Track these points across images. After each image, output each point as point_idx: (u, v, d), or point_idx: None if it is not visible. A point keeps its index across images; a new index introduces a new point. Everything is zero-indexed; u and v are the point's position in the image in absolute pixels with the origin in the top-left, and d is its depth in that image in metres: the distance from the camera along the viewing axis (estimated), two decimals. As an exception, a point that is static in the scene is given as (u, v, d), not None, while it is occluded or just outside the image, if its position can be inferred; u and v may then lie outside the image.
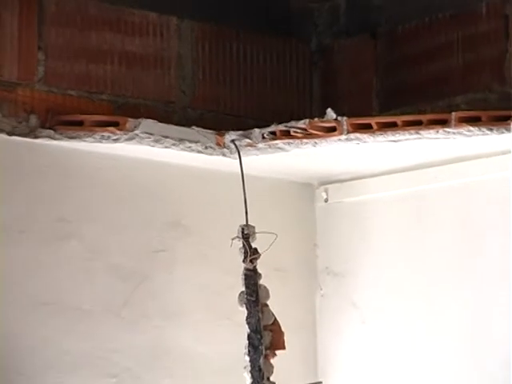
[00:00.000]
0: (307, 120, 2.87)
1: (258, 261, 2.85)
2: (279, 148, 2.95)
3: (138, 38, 3.11)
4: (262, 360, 2.84)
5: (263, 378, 2.87)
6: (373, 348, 3.42)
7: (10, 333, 2.92)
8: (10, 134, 2.86)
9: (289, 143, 2.91)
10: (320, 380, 3.28)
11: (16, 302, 2.92)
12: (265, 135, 2.93)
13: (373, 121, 2.85)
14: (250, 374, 2.84)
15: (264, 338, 2.85)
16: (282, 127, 2.91)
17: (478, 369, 3.12)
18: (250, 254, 2.82)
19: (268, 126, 2.92)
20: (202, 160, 3.02)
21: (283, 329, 2.89)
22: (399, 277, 3.36)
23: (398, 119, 2.85)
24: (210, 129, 2.95)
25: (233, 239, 2.82)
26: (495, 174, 3.15)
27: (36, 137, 2.90)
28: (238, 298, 2.88)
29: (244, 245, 2.81)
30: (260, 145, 2.93)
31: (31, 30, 2.99)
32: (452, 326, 3.25)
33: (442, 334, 3.31)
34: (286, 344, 2.88)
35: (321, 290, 3.46)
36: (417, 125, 2.86)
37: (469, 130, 2.80)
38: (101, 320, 3.03)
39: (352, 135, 2.84)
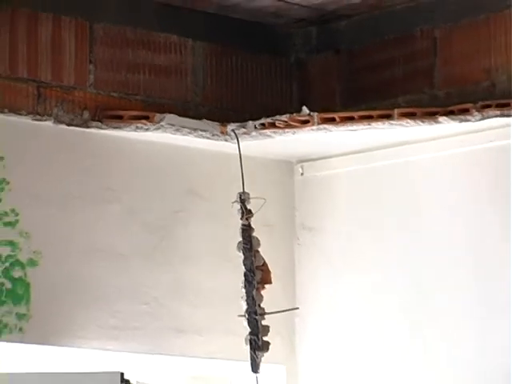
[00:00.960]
0: (288, 115, 3.33)
1: (252, 219, 3.28)
2: (267, 135, 3.37)
3: (162, 54, 3.55)
4: (254, 292, 3.25)
5: (255, 305, 3.30)
6: (338, 285, 3.82)
7: (73, 272, 3.29)
8: (68, 124, 3.30)
9: (274, 132, 3.35)
10: (297, 306, 3.71)
11: (76, 249, 3.34)
12: (256, 126, 3.35)
13: (336, 115, 3.31)
14: (245, 302, 3.29)
15: (256, 275, 3.27)
16: (269, 120, 3.36)
17: (440, 304, 3.48)
18: (246, 213, 3.25)
19: (259, 119, 3.36)
20: (210, 144, 3.47)
21: (270, 269, 3.35)
22: (358, 230, 3.80)
23: (355, 114, 3.31)
24: (216, 121, 3.40)
25: (233, 202, 3.25)
26: (428, 155, 3.64)
27: (88, 127, 3.38)
28: (237, 246, 3.32)
29: (241, 207, 3.24)
30: (253, 133, 3.36)
31: (84, 48, 3.44)
32: (399, 269, 3.59)
33: (389, 268, 3.67)
34: (272, 280, 3.32)
35: (298, 240, 3.91)
36: (369, 118, 3.35)
37: (407, 122, 3.31)
38: (136, 262, 3.50)
39: (321, 126, 3.29)
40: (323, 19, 3.85)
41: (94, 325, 3.52)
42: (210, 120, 3.47)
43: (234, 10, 3.77)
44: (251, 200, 3.34)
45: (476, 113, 3.27)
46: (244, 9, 3.76)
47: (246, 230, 3.34)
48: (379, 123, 3.35)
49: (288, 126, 3.39)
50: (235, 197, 3.32)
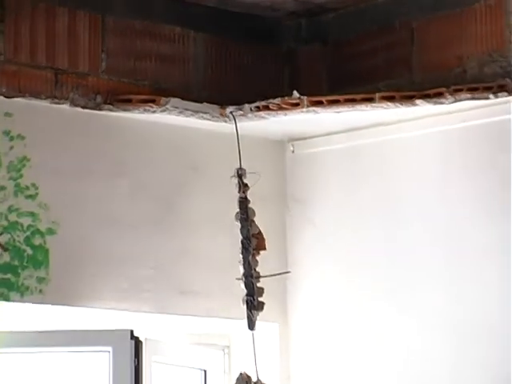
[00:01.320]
0: (280, 98, 3.51)
1: (248, 192, 3.47)
2: (262, 117, 3.57)
3: (167, 44, 3.75)
4: (250, 257, 3.46)
5: (251, 269, 3.49)
6: (325, 251, 4.01)
7: (87, 239, 3.51)
8: (83, 107, 3.52)
9: (268, 113, 3.54)
10: (288, 270, 3.91)
11: (91, 219, 3.58)
12: (252, 108, 3.54)
13: (324, 98, 3.48)
14: (242, 267, 3.48)
15: (252, 242, 3.46)
16: (263, 103, 3.54)
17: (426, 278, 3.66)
18: (243, 187, 3.42)
19: (254, 102, 3.56)
20: (210, 125, 3.65)
21: (265, 236, 3.54)
22: (343, 202, 3.99)
23: (341, 97, 3.49)
24: (215, 104, 3.59)
25: (231, 177, 3.43)
26: (406, 134, 3.82)
27: (100, 110, 3.59)
28: (235, 216, 3.50)
29: (238, 181, 3.42)
30: (249, 115, 3.54)
31: (97, 39, 3.64)
32: (379, 236, 3.80)
33: (370, 236, 3.89)
34: (266, 246, 3.54)
35: (289, 211, 4.10)
36: (353, 101, 3.53)
37: (387, 105, 3.51)
38: (144, 231, 3.72)
39: (310, 108, 3.49)
40: (312, 12, 3.97)
41: (106, 287, 3.68)
42: (211, 103, 3.61)
43: (232, 4, 3.91)
44: (247, 175, 3.48)
45: (449, 96, 3.45)
46: (242, 3, 3.90)
47: (243, 202, 3.48)
48: (362, 105, 3.52)
49: (280, 108, 3.55)
50: (233, 172, 3.46)
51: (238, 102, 3.69)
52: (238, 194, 3.51)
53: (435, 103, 3.53)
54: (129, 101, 3.55)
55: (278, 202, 4.08)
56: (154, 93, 3.68)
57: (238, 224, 3.50)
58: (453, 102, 3.51)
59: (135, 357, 3.60)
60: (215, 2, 3.92)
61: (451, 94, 3.47)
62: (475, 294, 3.71)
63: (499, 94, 3.46)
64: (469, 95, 3.49)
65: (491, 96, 3.46)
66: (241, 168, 3.52)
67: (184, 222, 3.87)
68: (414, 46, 3.82)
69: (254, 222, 3.54)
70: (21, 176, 3.52)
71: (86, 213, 3.65)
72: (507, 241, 3.65)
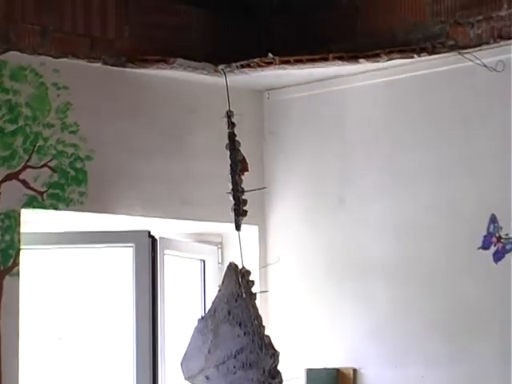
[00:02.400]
0: (258, 58, 3.92)
1: (235, 128, 3.84)
2: (245, 72, 4.00)
3: (175, 18, 4.11)
4: (237, 177, 3.86)
5: (237, 186, 3.82)
6: (293, 170, 4.39)
7: (117, 164, 3.93)
8: (112, 65, 3.92)
9: (249, 70, 3.98)
10: (265, 186, 4.31)
11: (118, 148, 3.98)
12: (237, 66, 3.95)
13: (291, 58, 3.89)
14: (231, 184, 3.83)
15: (238, 166, 3.86)
16: (246, 62, 3.92)
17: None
18: (231, 124, 3.84)
19: (239, 61, 3.94)
20: (207, 79, 4.07)
21: (247, 161, 3.91)
22: (305, 134, 4.40)
23: (303, 57, 3.91)
24: (210, 63, 3.98)
25: (222, 117, 3.84)
26: (354, 85, 4.23)
27: (124, 67, 4.00)
28: (225, 146, 3.84)
29: (228, 120, 3.83)
30: (236, 71, 3.96)
31: (122, 13, 3.98)
32: (334, 162, 4.21)
33: (326, 160, 4.29)
34: (249, 169, 3.91)
35: (266, 141, 4.47)
36: (312, 60, 3.93)
37: (338, 63, 3.92)
38: (157, 157, 4.11)
39: (280, 66, 3.91)
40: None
41: (130, 199, 4.09)
42: (207, 62, 3.99)
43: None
44: (234, 116, 3.87)
45: (384, 56, 3.83)
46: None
47: (231, 136, 3.86)
48: (319, 63, 3.95)
49: (258, 65, 3.94)
50: (224, 113, 3.86)
51: (227, 61, 4.00)
52: (228, 130, 3.87)
53: (373, 61, 3.88)
54: (146, 60, 3.93)
55: (257, 136, 4.45)
56: (165, 54, 3.97)
57: (228, 152, 3.87)
58: (387, 61, 3.87)
59: (151, 251, 4.09)
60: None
61: (385, 55, 3.81)
62: (410, 203, 4.06)
63: (421, 54, 3.82)
64: (398, 55, 3.84)
65: (415, 56, 3.82)
66: (229, 110, 3.86)
67: (187, 151, 4.25)
68: (359, 18, 4.15)
69: (239, 150, 3.88)
70: (66, 116, 3.87)
71: (114, 143, 4.04)
72: (438, 166, 3.98)
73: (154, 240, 4.13)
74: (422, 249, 4.01)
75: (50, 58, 3.78)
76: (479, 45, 3.72)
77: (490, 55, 3.73)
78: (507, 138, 3.81)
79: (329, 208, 4.35)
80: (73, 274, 4.34)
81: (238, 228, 3.89)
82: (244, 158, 3.90)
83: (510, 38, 3.66)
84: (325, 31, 4.20)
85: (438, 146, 4.04)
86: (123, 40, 3.96)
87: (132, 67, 4.00)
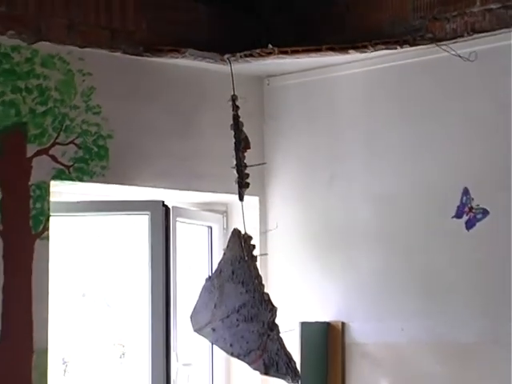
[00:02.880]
0: (260, 49, 4.02)
1: (239, 110, 3.94)
2: (247, 61, 4.08)
3: (184, 13, 4.15)
4: (240, 153, 3.98)
5: (241, 161, 3.95)
6: (289, 149, 4.48)
7: (135, 142, 4.03)
8: (131, 54, 4.01)
9: (252, 59, 4.06)
10: (265, 162, 4.42)
11: (136, 128, 4.08)
12: (241, 55, 4.04)
13: (288, 49, 4.02)
14: (235, 160, 3.94)
15: (241, 143, 3.99)
16: (249, 52, 4.02)
17: None
18: (235, 107, 3.96)
19: (243, 51, 4.04)
20: (214, 66, 4.17)
21: (249, 140, 4.03)
22: (302, 116, 4.50)
23: (299, 48, 4.02)
24: (217, 53, 4.10)
25: (228, 101, 3.94)
26: (344, 73, 4.32)
27: (142, 56, 4.08)
28: (230, 126, 3.95)
29: (232, 103, 3.96)
30: (239, 60, 4.05)
31: (139, 10, 4.05)
32: (326, 141, 4.29)
33: (319, 136, 4.37)
34: (251, 146, 4.03)
35: (266, 124, 4.56)
36: (308, 51, 4.01)
37: (330, 53, 4.01)
38: (170, 136, 4.18)
39: (279, 56, 4.03)
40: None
41: (147, 172, 4.21)
42: (214, 52, 4.11)
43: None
44: (238, 99, 4.02)
45: (371, 47, 3.97)
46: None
47: (235, 117, 4.00)
48: (314, 53, 4.06)
49: (260, 55, 4.05)
50: (229, 97, 4.00)
51: (232, 52, 4.11)
52: (232, 112, 3.99)
53: (361, 52, 4.01)
54: (160, 50, 4.05)
55: (258, 117, 4.55)
56: (177, 45, 4.08)
57: (232, 131, 4.00)
58: (373, 51, 4.00)
59: (165, 218, 4.21)
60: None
61: (372, 46, 3.94)
62: (392, 177, 4.18)
63: (403, 46, 3.94)
64: (383, 46, 3.96)
65: (398, 47, 3.95)
66: (234, 94, 4.00)
67: (196, 130, 4.36)
68: (349, 12, 4.22)
69: (242, 130, 4.01)
70: (90, 99, 4.00)
71: (132, 123, 4.17)
72: (416, 143, 4.10)
73: (167, 209, 4.26)
74: (402, 217, 4.13)
75: (76, 48, 3.90)
76: (454, 37, 3.82)
77: (464, 47, 3.83)
78: (479, 118, 3.92)
79: (320, 182, 4.46)
80: (96, 238, 4.48)
81: (241, 198, 4.04)
82: (246, 137, 4.02)
83: (481, 32, 3.73)
84: (319, 26, 4.29)
85: (416, 125, 4.13)
86: (141, 32, 4.07)
87: (148, 56, 4.11)
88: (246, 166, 4.00)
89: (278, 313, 3.94)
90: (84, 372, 4.55)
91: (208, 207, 4.70)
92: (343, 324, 4.29)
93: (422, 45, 3.92)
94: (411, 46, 3.93)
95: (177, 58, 4.11)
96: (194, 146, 4.38)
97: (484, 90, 3.94)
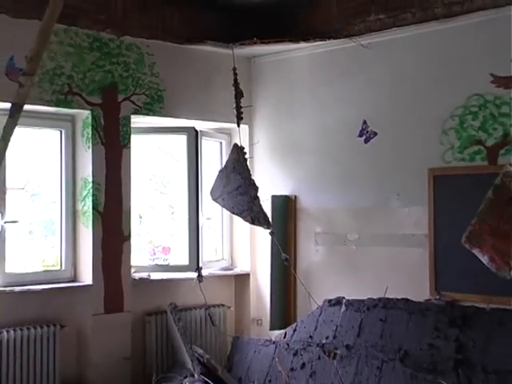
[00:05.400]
0: (248, 40, 4.27)
1: (239, 83, 4.27)
2: (242, 48, 4.39)
3: (207, 19, 4.43)
4: (238, 100, 4.29)
5: (239, 107, 4.23)
6: (269, 103, 4.74)
7: (180, 93, 4.29)
8: (175, 43, 4.27)
9: (244, 46, 4.35)
10: (251, 105, 4.60)
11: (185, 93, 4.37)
12: (237, 45, 4.32)
13: (266, 40, 4.27)
14: (235, 104, 4.23)
15: (239, 98, 4.27)
16: (242, 42, 4.31)
17: None
18: (235, 73, 4.27)
19: (237, 42, 4.31)
20: (223, 51, 4.46)
21: (244, 95, 4.28)
22: (280, 86, 4.70)
23: (271, 40, 4.24)
24: (224, 43, 4.39)
25: (230, 70, 4.25)
26: (303, 53, 4.47)
27: (181, 44, 4.26)
28: (233, 96, 4.20)
29: (233, 72, 4.28)
30: (237, 47, 4.37)
31: (181, 15, 4.31)
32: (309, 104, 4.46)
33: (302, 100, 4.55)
34: (244, 95, 4.26)
35: (253, 88, 4.80)
36: (275, 42, 4.29)
37: (289, 43, 4.27)
38: (198, 90, 4.49)
39: (260, 44, 4.32)
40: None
41: (184, 110, 4.51)
42: (222, 42, 4.45)
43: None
44: (237, 70, 4.32)
45: (312, 40, 4.24)
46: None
47: (235, 80, 4.30)
48: (279, 43, 4.39)
49: (249, 44, 4.38)
50: (231, 68, 4.31)
51: (232, 42, 4.38)
52: (233, 77, 4.32)
53: (307, 42, 4.33)
54: (191, 40, 4.37)
55: (247, 81, 4.78)
56: (202, 38, 4.41)
57: (233, 88, 4.32)
58: (314, 42, 4.32)
59: (195, 137, 4.51)
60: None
61: (313, 39, 4.28)
62: (327, 116, 4.46)
63: (331, 39, 4.21)
64: (320, 39, 4.22)
65: (327, 40, 4.25)
66: (234, 67, 4.30)
67: (214, 88, 4.66)
68: (299, 18, 4.37)
69: (239, 87, 4.34)
70: (152, 69, 4.38)
71: (176, 82, 4.39)
72: (340, 97, 4.32)
73: (196, 131, 4.57)
74: (331, 137, 4.50)
75: (144, 39, 4.27)
76: (359, 35, 4.19)
77: (365, 40, 4.16)
78: (372, 80, 4.23)
79: (283, 117, 4.77)
80: (156, 150, 4.80)
81: (238, 125, 4.35)
82: (241, 91, 4.35)
83: (374, 31, 4.09)
84: (282, 25, 4.47)
85: (339, 85, 4.41)
86: (179, 29, 4.39)
87: (185, 44, 4.45)
88: (241, 107, 4.31)
89: (259, 190, 4.27)
90: (152, 222, 4.79)
91: (219, 131, 4.88)
92: (296, 196, 4.63)
93: (341, 38, 4.22)
94: (335, 39, 4.25)
95: (202, 45, 4.44)
96: (211, 96, 4.64)
97: (375, 62, 4.21)
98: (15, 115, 2.77)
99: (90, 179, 4.09)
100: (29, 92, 2.84)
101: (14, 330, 3.81)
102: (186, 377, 3.91)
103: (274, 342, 4.21)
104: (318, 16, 4.29)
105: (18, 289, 3.85)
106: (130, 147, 4.21)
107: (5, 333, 3.77)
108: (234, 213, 4.36)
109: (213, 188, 4.43)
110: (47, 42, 2.74)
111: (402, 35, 4.06)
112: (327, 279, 4.41)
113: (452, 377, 3.47)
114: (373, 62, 4.21)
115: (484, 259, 3.54)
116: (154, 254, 4.55)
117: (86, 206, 4.11)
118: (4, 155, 2.89)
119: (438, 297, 3.87)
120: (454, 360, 3.52)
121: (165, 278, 4.48)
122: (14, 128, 2.79)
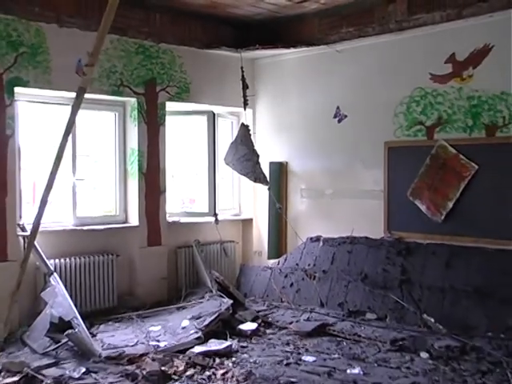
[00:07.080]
0: (252, 46, 4.30)
1: (246, 79, 4.51)
2: (247, 52, 4.47)
3: (219, 32, 4.51)
4: (244, 90, 4.47)
5: (245, 94, 4.37)
6: (267, 97, 4.72)
7: (202, 82, 4.29)
8: (197, 48, 4.32)
9: (249, 50, 4.41)
10: (253, 94, 4.62)
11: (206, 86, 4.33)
12: (244, 50, 4.36)
13: (266, 46, 4.34)
14: (242, 93, 4.46)
15: (245, 85, 4.52)
16: (247, 48, 4.34)
17: None
18: (242, 71, 4.50)
19: (245, 47, 4.40)
20: (233, 55, 4.53)
21: (249, 87, 4.49)
22: (282, 84, 4.74)
23: (270, 46, 4.32)
24: (234, 48, 4.50)
25: (239, 68, 4.47)
26: (293, 56, 4.50)
27: (203, 49, 4.30)
28: (241, 87, 4.36)
29: (241, 70, 4.55)
30: (244, 51, 4.43)
31: (202, 26, 4.36)
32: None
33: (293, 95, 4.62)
34: (249, 87, 4.51)
35: (258, 84, 4.72)
36: (273, 47, 4.34)
37: (282, 49, 4.22)
38: (215, 83, 4.54)
39: (262, 50, 4.40)
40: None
41: (205, 97, 4.52)
42: (232, 47, 4.55)
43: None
44: (244, 69, 4.52)
45: (299, 46, 4.29)
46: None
47: (243, 76, 4.58)
48: (275, 48, 4.49)
49: (253, 49, 4.50)
50: (239, 67, 4.54)
51: (240, 47, 4.53)
52: (241, 73, 4.56)
53: (295, 48, 4.44)
54: (210, 46, 4.47)
55: (251, 77, 4.88)
56: (217, 44, 4.47)
57: (241, 81, 4.56)
58: (301, 48, 4.40)
59: (213, 118, 4.75)
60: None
61: (300, 46, 4.35)
62: (312, 103, 4.48)
63: (313, 46, 4.29)
64: (305, 46, 4.32)
65: (311, 46, 4.29)
66: (242, 67, 4.56)
67: (227, 81, 4.71)
68: (290, 29, 4.47)
69: (245, 81, 4.62)
70: (181, 68, 4.51)
71: (199, 77, 4.53)
72: (321, 87, 4.40)
73: (214, 114, 4.79)
74: (313, 119, 4.63)
75: (176, 46, 4.33)
76: (334, 42, 4.32)
77: (337, 47, 4.33)
78: (345, 75, 4.27)
79: (279, 104, 4.89)
80: (182, 129, 4.85)
81: (245, 109, 4.63)
82: (247, 84, 4.66)
83: (344, 40, 4.21)
84: (278, 35, 4.57)
85: (321, 78, 4.49)
86: (199, 39, 4.54)
87: (205, 49, 4.60)
88: (246, 96, 4.62)
89: (260, 157, 4.57)
90: (181, 180, 4.82)
91: (231, 113, 5.05)
92: (287, 162, 4.82)
93: (321, 45, 4.40)
94: (316, 46, 4.43)
95: (217, 50, 4.61)
96: (225, 87, 4.80)
97: (346, 63, 4.27)
98: (80, 96, 2.81)
99: (136, 148, 4.27)
100: (90, 79, 2.83)
101: (84, 257, 4.12)
102: (206, 292, 4.18)
103: (270, 268, 4.55)
104: (304, 29, 4.47)
105: (85, 228, 4.16)
106: (165, 125, 4.43)
107: (78, 259, 4.08)
108: (241, 174, 4.63)
109: (226, 155, 4.68)
110: (103, 39, 2.71)
111: (365, 43, 4.26)
112: (309, 223, 4.66)
113: (398, 292, 3.85)
114: (344, 63, 4.40)
115: (423, 208, 3.92)
116: (183, 203, 4.84)
117: (133, 169, 4.34)
118: (72, 125, 2.93)
119: (389, 235, 4.18)
120: (400, 280, 3.89)
121: (191, 221, 4.78)
122: (79, 106, 2.84)
